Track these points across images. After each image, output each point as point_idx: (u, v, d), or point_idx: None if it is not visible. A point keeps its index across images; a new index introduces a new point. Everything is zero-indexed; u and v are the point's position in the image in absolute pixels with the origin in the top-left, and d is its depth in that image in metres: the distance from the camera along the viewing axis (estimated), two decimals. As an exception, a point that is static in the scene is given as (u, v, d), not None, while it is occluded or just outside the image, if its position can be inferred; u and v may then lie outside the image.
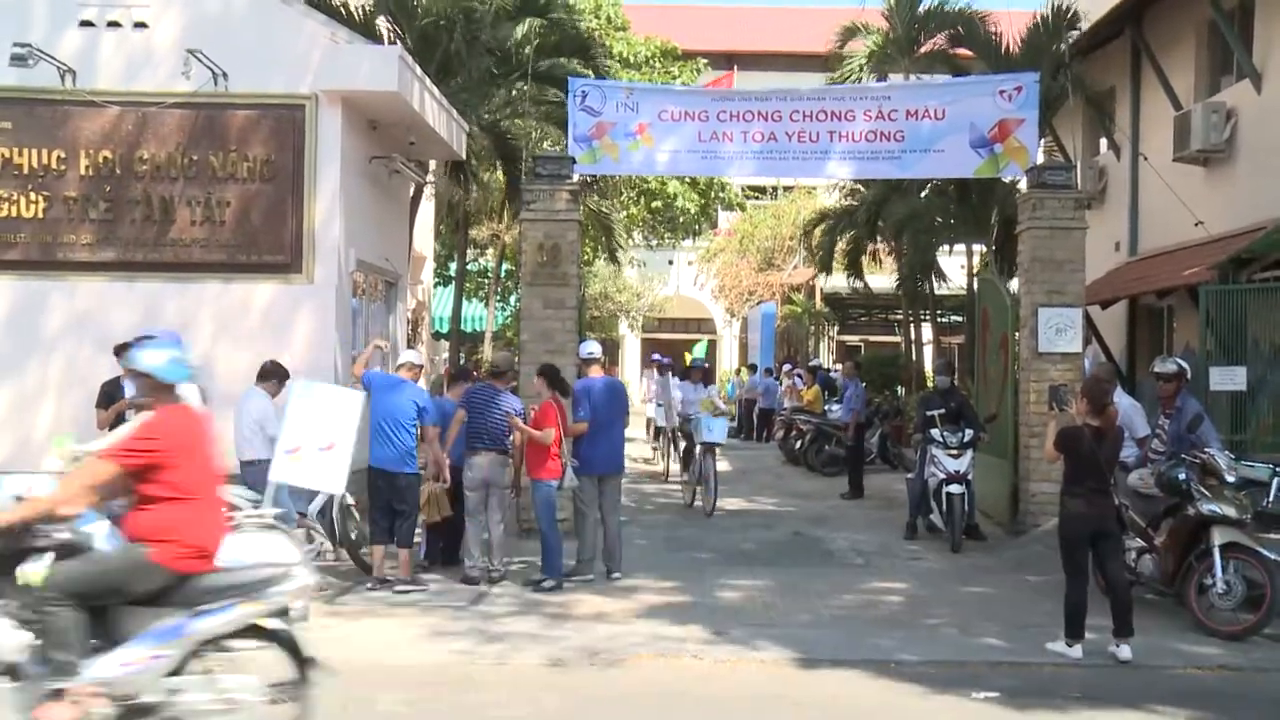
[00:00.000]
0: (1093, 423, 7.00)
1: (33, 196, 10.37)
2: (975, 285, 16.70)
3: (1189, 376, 8.69)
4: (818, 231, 22.10)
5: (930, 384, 14.76)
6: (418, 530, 9.25)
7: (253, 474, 8.49)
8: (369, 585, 8.65)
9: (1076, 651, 6.87)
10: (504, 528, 9.12)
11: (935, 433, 10.85)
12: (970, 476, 10.74)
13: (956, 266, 20.88)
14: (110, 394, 9.12)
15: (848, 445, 15.10)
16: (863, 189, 19.63)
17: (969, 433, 10.84)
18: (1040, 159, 12.55)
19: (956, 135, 11.37)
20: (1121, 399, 8.91)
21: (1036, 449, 10.37)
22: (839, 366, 25.92)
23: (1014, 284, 12.78)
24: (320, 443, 7.96)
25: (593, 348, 9.63)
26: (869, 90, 12.75)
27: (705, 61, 26.01)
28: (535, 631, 7.46)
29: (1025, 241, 11.32)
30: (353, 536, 9.18)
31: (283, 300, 10.44)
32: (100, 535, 4.90)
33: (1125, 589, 7.05)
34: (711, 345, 35.72)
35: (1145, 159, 15.12)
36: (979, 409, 12.23)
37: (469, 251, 21.92)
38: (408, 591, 8.49)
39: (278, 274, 10.44)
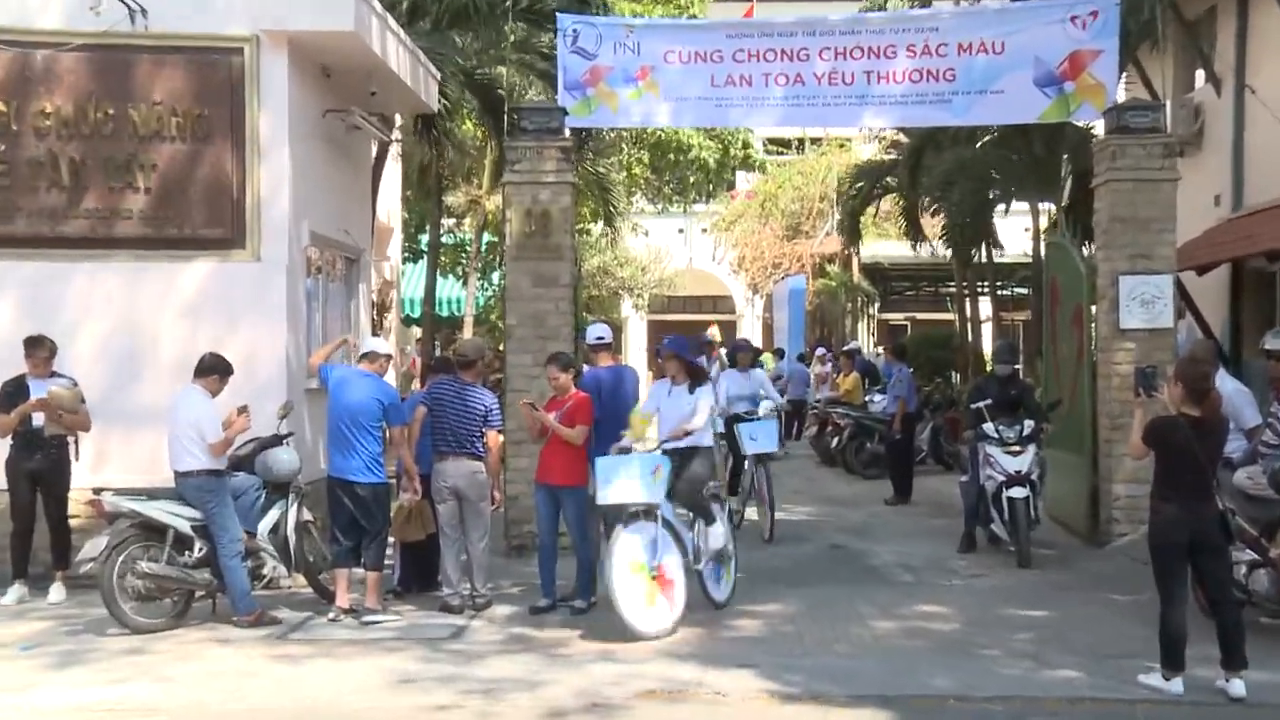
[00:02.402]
0: (1189, 411, 6.87)
1: (-94, 158, 10.18)
2: (1042, 251, 16.54)
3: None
4: (844, 188, 22.01)
5: (990, 369, 14.61)
6: (389, 550, 9.20)
7: (192, 488, 8.41)
8: (330, 616, 8.60)
9: (1176, 686, 6.75)
10: (486, 546, 9.07)
11: (988, 427, 10.77)
12: (1035, 476, 10.67)
13: (1020, 229, 20.72)
14: (12, 395, 9.07)
15: (892, 442, 14.97)
16: (905, 139, 19.48)
17: (1029, 425, 10.76)
18: (1121, 97, 12.37)
19: (1018, 72, 11.23)
20: (1225, 383, 8.79)
21: (1120, 444, 10.26)
22: (880, 350, 25.92)
23: (1090, 249, 12.64)
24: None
25: (602, 331, 9.64)
26: (913, 20, 12.55)
27: None
28: (525, 674, 7.34)
29: (1103, 197, 11.21)
30: (311, 559, 9.15)
31: (221, 281, 10.32)
32: None
33: (1234, 610, 6.91)
34: (730, 329, 35.63)
35: (1253, 92, 14.87)
36: (1049, 397, 12.11)
37: (444, 221, 21.85)
38: (376, 623, 8.44)
39: (215, 250, 10.31)
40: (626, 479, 8.33)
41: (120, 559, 8.22)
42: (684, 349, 8.99)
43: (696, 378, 8.87)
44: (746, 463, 11.99)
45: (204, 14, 10.21)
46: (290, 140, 10.45)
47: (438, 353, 18.97)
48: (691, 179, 24.77)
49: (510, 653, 7.81)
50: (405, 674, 7.33)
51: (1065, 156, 16.27)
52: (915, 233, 21.00)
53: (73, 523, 9.34)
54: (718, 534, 8.89)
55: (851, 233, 21.54)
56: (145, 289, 10.28)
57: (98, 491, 8.62)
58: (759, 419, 11.93)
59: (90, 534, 8.69)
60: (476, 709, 6.70)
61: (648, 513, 8.31)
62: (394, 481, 9.33)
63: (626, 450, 8.52)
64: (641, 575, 8.16)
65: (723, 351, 17.30)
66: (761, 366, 18.73)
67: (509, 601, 9.10)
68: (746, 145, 24.75)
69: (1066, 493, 11.79)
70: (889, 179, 21.10)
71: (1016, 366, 12.31)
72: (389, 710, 6.73)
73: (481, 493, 8.96)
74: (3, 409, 8.98)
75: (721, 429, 12.12)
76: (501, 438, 9.49)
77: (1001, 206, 19.34)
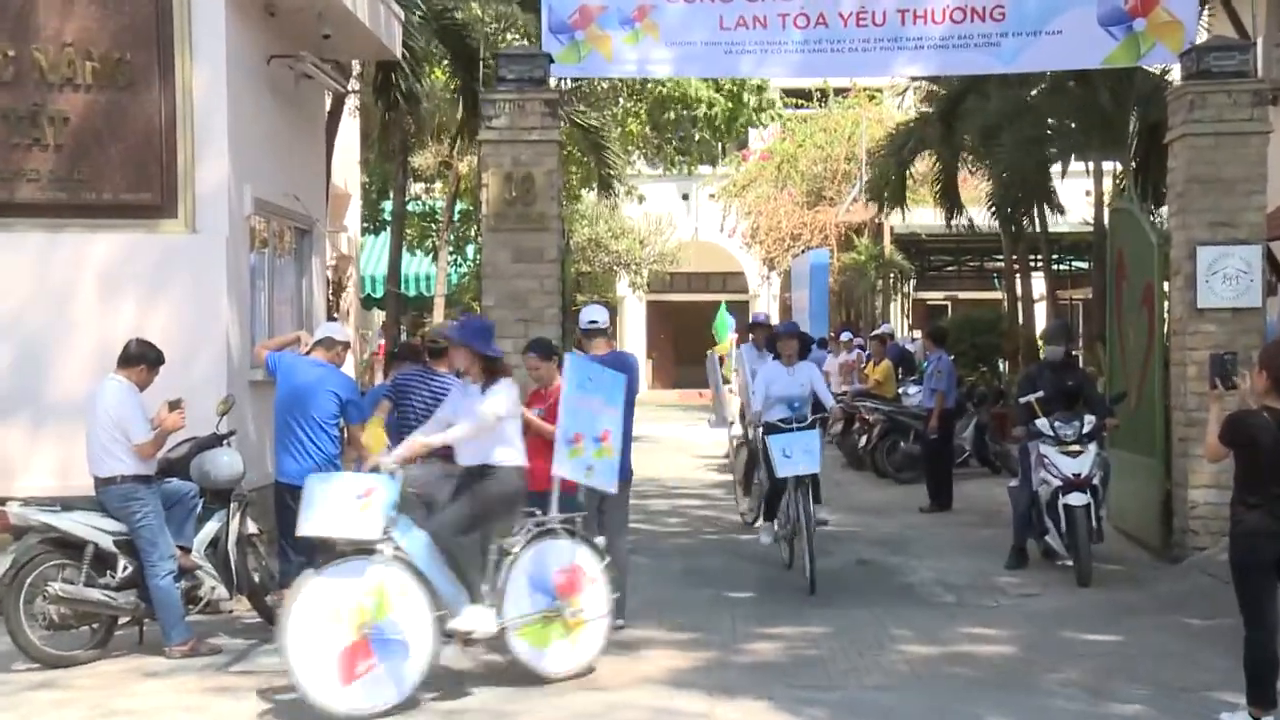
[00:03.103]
0: (1276, 405, 6.83)
1: None
2: (1106, 218, 16.51)
3: None
4: (880, 148, 21.99)
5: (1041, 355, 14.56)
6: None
7: (115, 497, 8.37)
8: (277, 644, 8.51)
9: (1263, 725, 6.74)
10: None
11: (1041, 424, 10.76)
12: (1097, 480, 10.67)
13: (1079, 193, 20.67)
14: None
15: (928, 441, 15.01)
16: (946, 87, 19.42)
17: (1089, 421, 10.76)
18: (1202, 37, 12.33)
19: (1079, 9, 11.21)
20: (1321, 371, 8.75)
21: (1197, 443, 10.26)
22: (916, 335, 25.92)
23: (1162, 215, 12.62)
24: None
25: (596, 314, 9.64)
26: (956, -50, 12.52)
27: None
28: (499, 706, 7.37)
29: (1179, 154, 11.20)
30: (256, 578, 9.11)
31: (149, 256, 10.36)
32: None
33: (1332, 637, 6.87)
34: (742, 310, 35.64)
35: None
36: (1114, 388, 12.07)
37: (410, 187, 21.85)
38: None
39: (141, 219, 10.35)
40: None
41: (29, 580, 8.16)
42: (476, 336, 7.95)
43: (493, 374, 7.83)
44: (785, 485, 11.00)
45: (124, -60, 10.22)
46: (229, 91, 10.47)
47: (404, 338, 18.99)
48: (698, 136, 24.65)
49: (485, 682, 7.81)
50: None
51: (1134, 107, 16.22)
52: (952, 200, 20.95)
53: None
54: (473, 615, 7.52)
55: (895, 195, 21.35)
56: (56, 264, 10.31)
57: (2, 502, 8.59)
58: (796, 429, 10.62)
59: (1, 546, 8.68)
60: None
61: (365, 550, 7.36)
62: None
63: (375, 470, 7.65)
64: (341, 632, 7.10)
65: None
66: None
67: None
68: (762, 89, 24.37)
69: (1134, 500, 11.80)
70: (921, 134, 21.06)
71: (1075, 352, 12.24)
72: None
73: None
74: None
75: (754, 438, 12.01)
76: None
77: (1058, 167, 19.30)
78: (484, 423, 7.58)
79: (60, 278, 10.28)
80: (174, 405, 8.53)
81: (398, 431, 9.00)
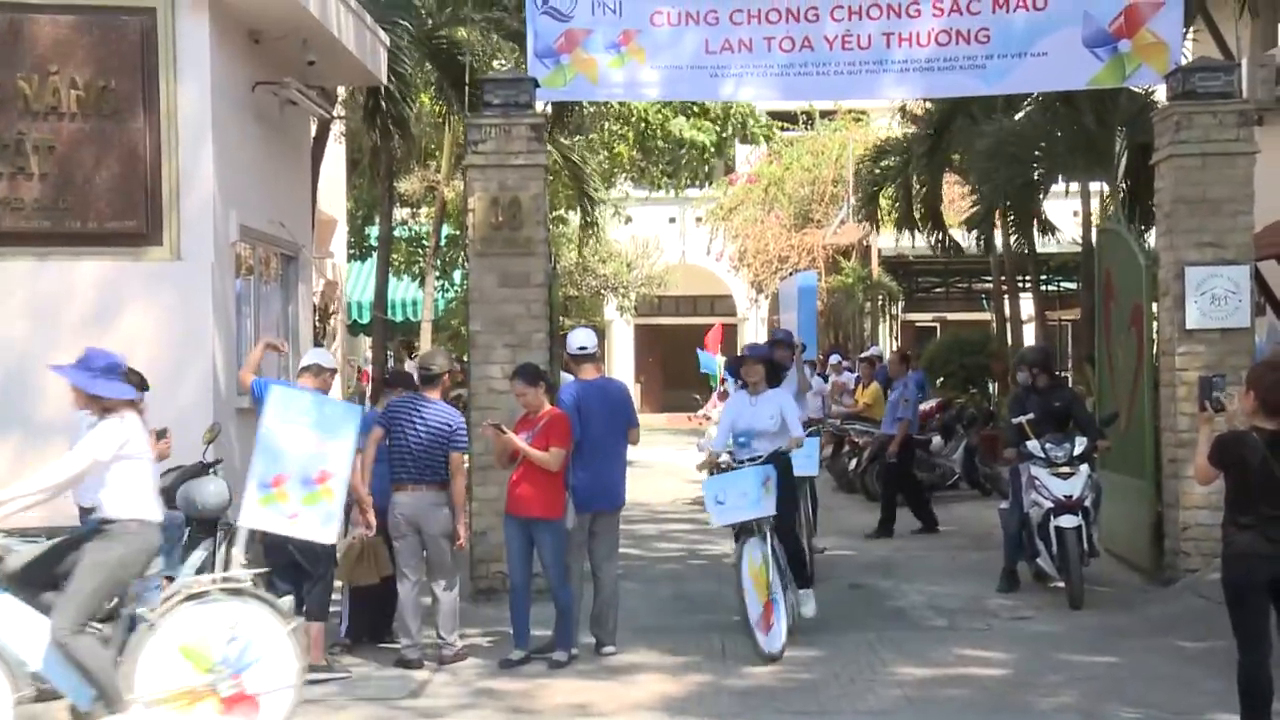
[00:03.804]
0: (1265, 425, 6.84)
1: None
2: (1094, 239, 16.56)
3: None
4: (869, 169, 22.03)
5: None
6: (336, 596, 9.21)
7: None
8: (265, 676, 8.50)
9: (1257, 748, 6.71)
10: (456, 589, 9.12)
11: (1032, 446, 10.79)
12: (1088, 502, 10.69)
13: (1067, 214, 20.73)
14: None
15: (887, 466, 15.23)
16: (933, 110, 19.49)
17: (1080, 442, 10.79)
18: (1187, 57, 12.38)
19: (1065, 30, 11.25)
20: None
21: (1188, 464, 10.23)
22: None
23: (1150, 236, 12.64)
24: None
25: (585, 339, 9.64)
26: (941, -27, 12.58)
27: None
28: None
29: (1166, 175, 11.22)
30: (243, 609, 9.03)
31: (135, 283, 10.35)
32: None
33: (1324, 657, 6.87)
34: (731, 333, 35.64)
35: (1347, 45, 14.89)
36: (1104, 409, 12.09)
37: (396, 212, 21.83)
38: (322, 681, 8.35)
39: (127, 247, 10.34)
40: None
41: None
42: (81, 373, 7.43)
43: (107, 409, 7.38)
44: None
45: (108, -32, 10.25)
46: (213, 117, 10.47)
47: (392, 365, 18.96)
48: (685, 159, 24.78)
49: (473, 709, 7.83)
50: (352, 739, 7.33)
51: (1120, 128, 16.27)
52: (935, 222, 21.03)
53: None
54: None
55: (922, 213, 21.35)
56: (42, 292, 10.29)
57: (-20, 526, 8.53)
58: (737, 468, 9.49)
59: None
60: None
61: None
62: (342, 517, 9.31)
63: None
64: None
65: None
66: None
67: (476, 654, 9.13)
68: (745, 118, 24.74)
69: (1125, 521, 11.78)
70: (909, 157, 21.12)
71: (1062, 374, 12.24)
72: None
73: (446, 528, 8.98)
74: None
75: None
76: (466, 462, 9.46)
77: (1049, 188, 19.34)
78: (71, 467, 6.81)
79: (47, 305, 10.25)
80: (160, 434, 8.50)
81: (389, 460, 9.01)
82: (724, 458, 9.69)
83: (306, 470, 7.44)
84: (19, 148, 10.20)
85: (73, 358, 9.65)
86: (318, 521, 7.51)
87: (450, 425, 8.98)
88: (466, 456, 9.60)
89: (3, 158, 10.19)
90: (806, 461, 10.84)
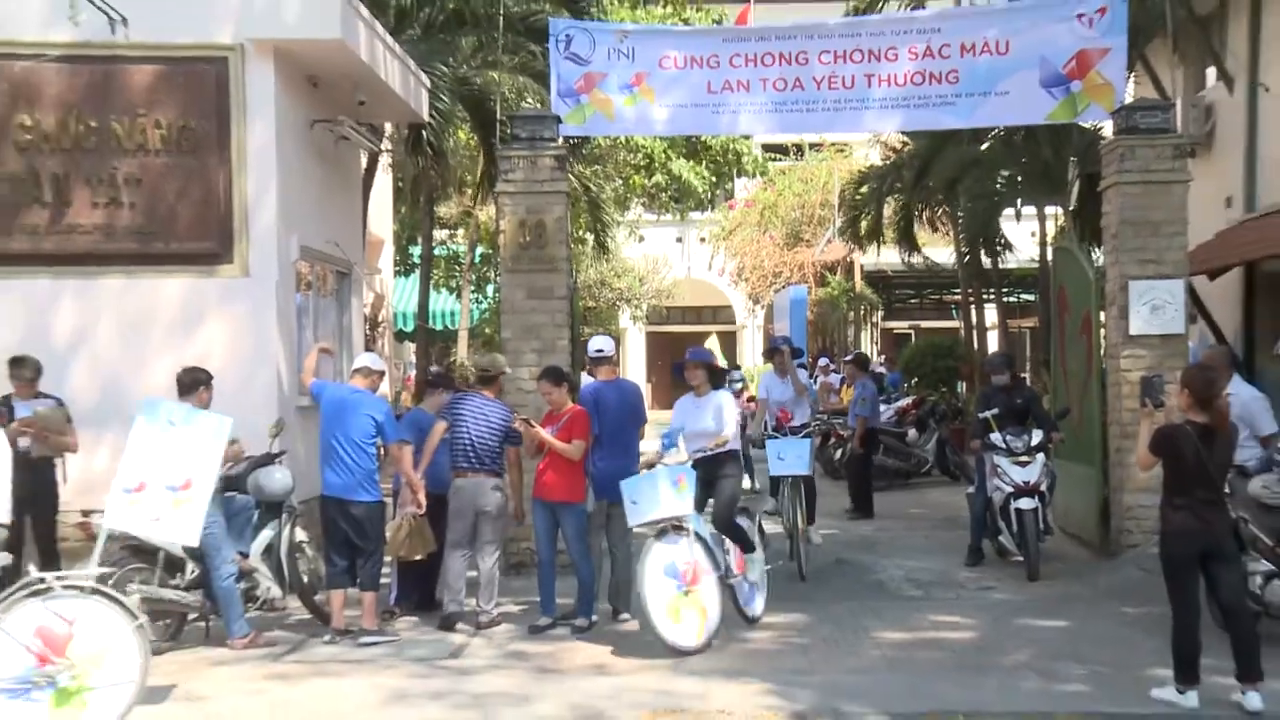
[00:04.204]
0: (1197, 419, 6.89)
1: (-114, 175, 10.18)
2: (1049, 256, 16.57)
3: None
4: (852, 194, 22.03)
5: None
6: (386, 569, 9.24)
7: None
8: (327, 638, 8.65)
9: (1190, 700, 6.77)
10: (496, 562, 9.15)
11: (995, 438, 10.82)
12: (1044, 487, 10.72)
13: (1026, 234, 20.76)
14: (-4, 417, 9.07)
15: (854, 457, 15.19)
16: (909, 142, 19.54)
17: (1037, 435, 10.82)
18: (1129, 97, 12.38)
19: (1024, 72, 11.25)
20: (1241, 389, 8.86)
21: (1131, 453, 10.27)
22: (883, 358, 25.97)
23: (1099, 254, 12.66)
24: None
25: (602, 344, 9.65)
26: (914, 22, 12.58)
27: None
28: (518, 689, 7.41)
29: (1112, 200, 11.22)
30: (306, 580, 9.16)
31: (209, 297, 10.39)
32: None
33: (1249, 621, 6.93)
34: (729, 339, 35.68)
35: (1266, 90, 14.82)
36: (1058, 406, 12.13)
37: (436, 233, 21.90)
38: (373, 644, 8.47)
39: (202, 265, 10.37)
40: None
41: (112, 582, 8.22)
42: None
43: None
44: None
45: (187, 23, 10.26)
46: (278, 151, 10.50)
47: (432, 368, 19.03)
48: (685, 193, 25.05)
49: (505, 669, 7.86)
50: (401, 691, 7.39)
51: (1072, 159, 16.28)
52: (909, 242, 21.06)
53: (62, 546, 9.36)
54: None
55: (871, 235, 21.39)
56: (132, 305, 10.33)
57: (87, 514, 8.65)
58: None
59: (80, 557, 8.68)
60: (468, 721, 6.76)
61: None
62: (390, 500, 9.39)
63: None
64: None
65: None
66: (741, 382, 18.59)
67: (509, 620, 9.16)
68: (739, 156, 25.04)
69: (1077, 504, 11.80)
70: (890, 185, 21.16)
71: (1021, 375, 12.27)
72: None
73: (501, 509, 9.06)
74: (-12, 431, 8.98)
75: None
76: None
77: (1010, 211, 19.37)
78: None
79: (136, 316, 10.30)
80: (233, 443, 8.58)
81: (451, 449, 9.06)
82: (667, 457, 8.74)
83: (171, 477, 7.08)
84: (112, 180, 10.25)
85: (159, 362, 9.88)
86: (181, 525, 7.15)
87: (507, 422, 9.04)
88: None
89: (98, 189, 10.25)
90: (798, 462, 10.89)
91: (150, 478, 7.06)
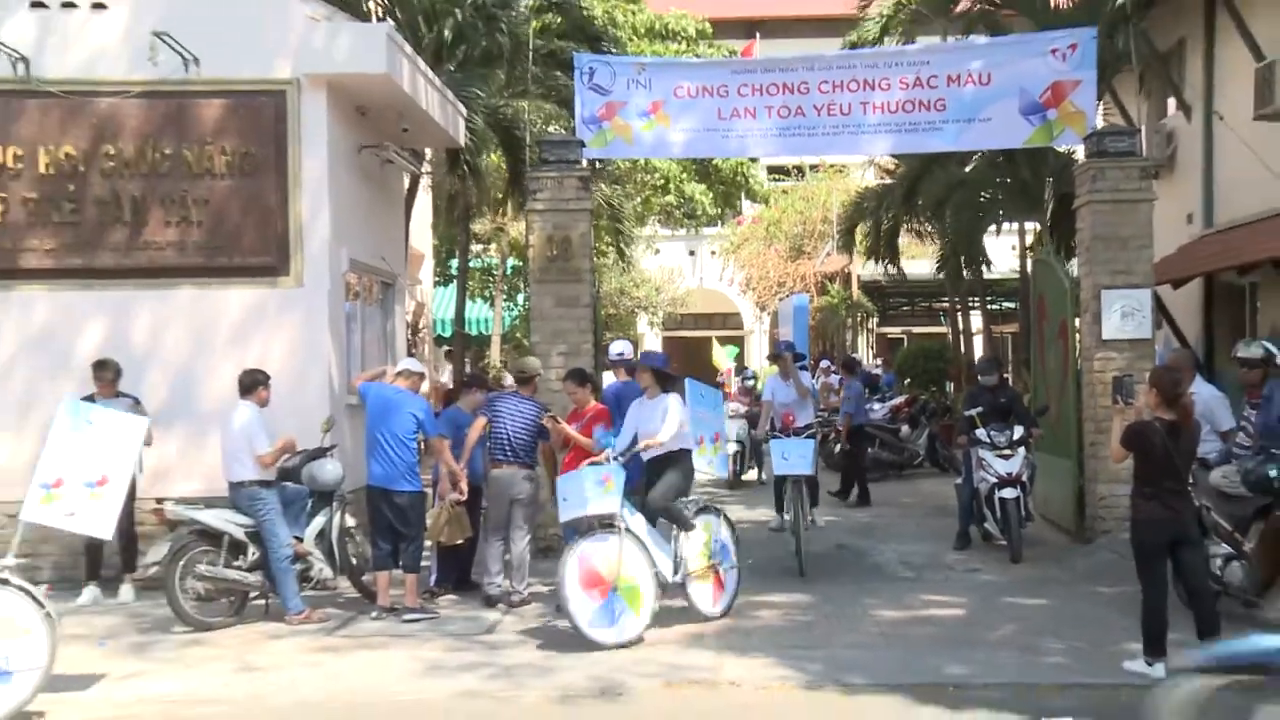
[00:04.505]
0: (1164, 416, 6.90)
1: (-12, 199, 10.30)
2: (1029, 267, 16.55)
3: (1279, 361, 8.52)
4: (847, 212, 22.05)
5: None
6: (426, 552, 9.30)
7: (244, 497, 8.55)
8: (373, 615, 8.71)
9: (1158, 671, 6.76)
10: (528, 546, 9.16)
11: (980, 433, 10.83)
12: (1025, 478, 10.71)
13: (1007, 248, 20.74)
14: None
15: (845, 452, 15.16)
16: (900, 164, 19.54)
17: (1018, 430, 10.82)
18: (1099, 124, 12.38)
19: (1005, 101, 11.26)
20: (1202, 388, 8.86)
21: (1104, 447, 10.26)
22: (878, 361, 25.92)
23: (1073, 265, 12.65)
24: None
25: (621, 348, 9.67)
26: (904, 55, 12.61)
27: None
28: (544, 662, 7.46)
29: (1085, 217, 11.23)
30: (354, 562, 9.23)
31: (268, 305, 10.43)
32: None
33: (1210, 600, 6.96)
34: (739, 344, 35.65)
35: (1221, 118, 14.86)
36: (1037, 404, 12.13)
37: (472, 247, 21.96)
38: (415, 620, 8.53)
39: (262, 277, 10.41)
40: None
41: (182, 563, 8.35)
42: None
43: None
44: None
45: (250, 60, 10.35)
46: (329, 174, 10.54)
47: (467, 370, 19.09)
48: (699, 213, 25.26)
49: (533, 643, 7.91)
50: (437, 663, 7.46)
51: (1049, 179, 16.27)
52: (892, 255, 21.09)
53: (139, 530, 9.46)
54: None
55: (870, 250, 21.48)
56: (200, 312, 10.39)
57: (161, 501, 8.75)
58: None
59: (155, 540, 8.84)
60: (498, 689, 6.87)
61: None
62: (430, 489, 9.44)
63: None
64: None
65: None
66: (754, 380, 18.65)
67: (538, 599, 9.18)
68: (746, 178, 25.33)
69: (1055, 493, 11.79)
70: (884, 202, 21.15)
71: (1006, 376, 12.27)
72: (424, 692, 6.89)
73: (531, 497, 9.08)
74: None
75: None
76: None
77: (993, 226, 19.36)
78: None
79: (204, 322, 10.35)
80: (286, 441, 8.71)
81: (490, 443, 9.08)
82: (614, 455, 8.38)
83: (88, 473, 6.80)
84: (183, 202, 10.32)
85: (224, 364, 9.97)
86: (96, 519, 6.84)
87: (540, 420, 9.07)
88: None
89: (171, 210, 10.32)
90: (801, 462, 10.62)
91: (68, 474, 6.77)
